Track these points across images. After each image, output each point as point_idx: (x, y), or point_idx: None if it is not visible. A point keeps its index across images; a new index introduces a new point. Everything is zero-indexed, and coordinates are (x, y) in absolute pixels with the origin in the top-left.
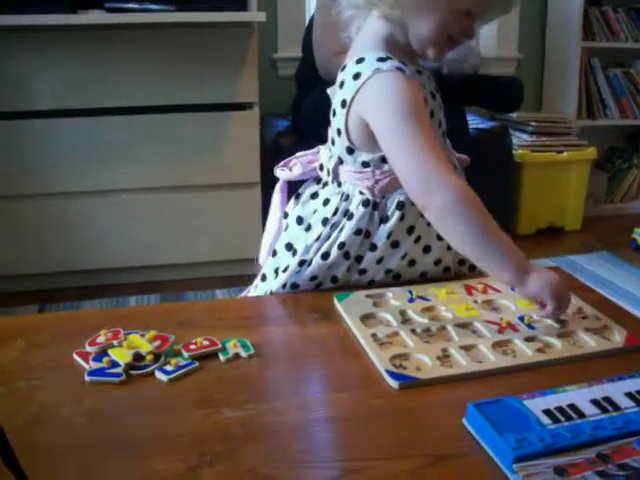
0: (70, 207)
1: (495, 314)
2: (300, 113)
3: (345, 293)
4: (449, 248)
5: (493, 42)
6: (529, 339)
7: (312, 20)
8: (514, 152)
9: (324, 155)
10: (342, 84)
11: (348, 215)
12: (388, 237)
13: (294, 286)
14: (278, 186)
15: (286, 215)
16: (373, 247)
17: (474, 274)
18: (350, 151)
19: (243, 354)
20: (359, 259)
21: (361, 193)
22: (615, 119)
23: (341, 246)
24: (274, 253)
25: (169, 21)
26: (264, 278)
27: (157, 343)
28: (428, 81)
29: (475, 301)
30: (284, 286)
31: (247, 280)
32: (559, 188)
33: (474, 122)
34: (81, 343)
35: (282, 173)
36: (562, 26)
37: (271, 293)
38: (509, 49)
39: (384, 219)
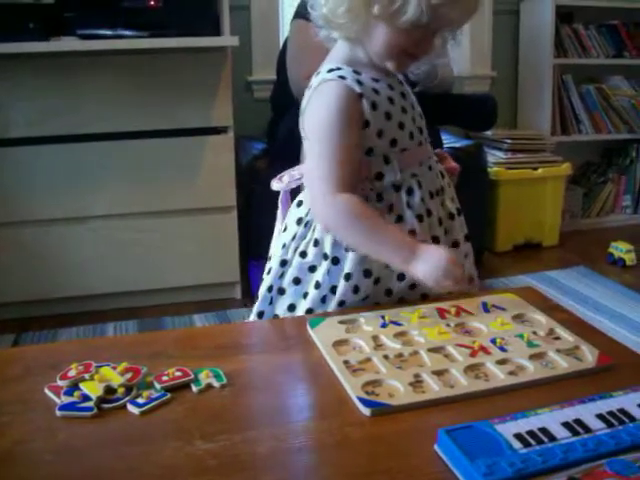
0: (47, 234)
1: (467, 337)
2: (276, 136)
3: (318, 319)
4: None
5: (467, 60)
6: (501, 362)
7: (286, 43)
8: (490, 170)
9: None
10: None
11: None
12: None
13: (280, 291)
14: (280, 198)
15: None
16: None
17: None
18: None
19: (216, 384)
20: (336, 261)
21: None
22: (589, 134)
23: (316, 243)
24: (269, 258)
25: (143, 47)
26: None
27: (129, 375)
28: (387, 89)
29: (447, 324)
30: (270, 289)
31: (225, 304)
32: (535, 204)
33: (449, 141)
34: (54, 376)
35: (275, 185)
36: (534, 43)
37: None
38: (483, 67)
39: None
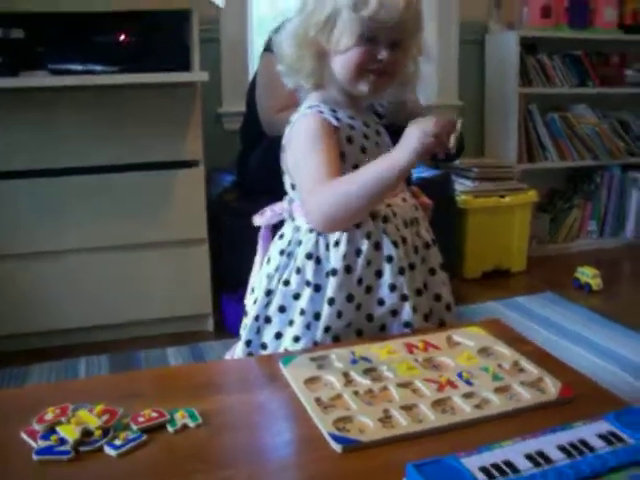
0: (19, 269)
1: (435, 372)
2: (246, 169)
3: (290, 357)
4: (401, 272)
5: (434, 90)
6: (467, 395)
7: (255, 77)
8: (458, 198)
9: (285, 198)
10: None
11: (298, 243)
12: (343, 259)
13: (267, 319)
14: (260, 233)
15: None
16: (334, 272)
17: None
18: (293, 187)
19: (191, 424)
20: (318, 288)
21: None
22: (555, 162)
23: (298, 271)
24: (252, 290)
25: (113, 83)
26: (246, 314)
27: (105, 417)
28: (362, 126)
29: (416, 360)
30: (257, 318)
31: (198, 336)
32: (503, 231)
33: (418, 172)
34: (29, 420)
35: (257, 220)
36: (500, 74)
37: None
38: (450, 97)
39: (336, 243)
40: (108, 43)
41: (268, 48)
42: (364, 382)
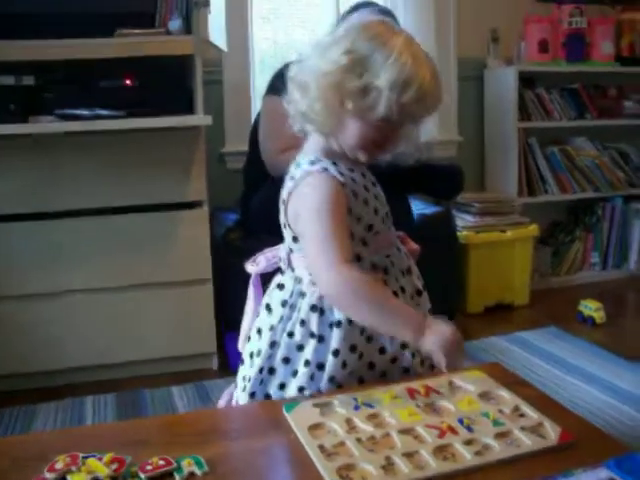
0: (25, 309)
1: (436, 417)
2: (249, 209)
3: (293, 403)
4: None
5: (434, 126)
6: (468, 442)
7: (257, 119)
8: (459, 234)
9: (282, 247)
10: (286, 183)
11: (301, 294)
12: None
13: (271, 371)
14: (251, 280)
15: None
16: (338, 324)
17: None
18: (295, 239)
19: (197, 472)
20: (322, 339)
21: (310, 274)
22: (555, 195)
23: (302, 323)
24: (249, 339)
25: (120, 128)
26: (242, 362)
27: (114, 466)
28: (361, 177)
29: (417, 405)
30: (261, 371)
31: (202, 374)
32: (505, 266)
33: (418, 208)
34: (40, 468)
35: (251, 268)
36: (499, 108)
37: (250, 379)
38: (449, 132)
39: None
40: (113, 88)
41: (271, 90)
42: (367, 429)
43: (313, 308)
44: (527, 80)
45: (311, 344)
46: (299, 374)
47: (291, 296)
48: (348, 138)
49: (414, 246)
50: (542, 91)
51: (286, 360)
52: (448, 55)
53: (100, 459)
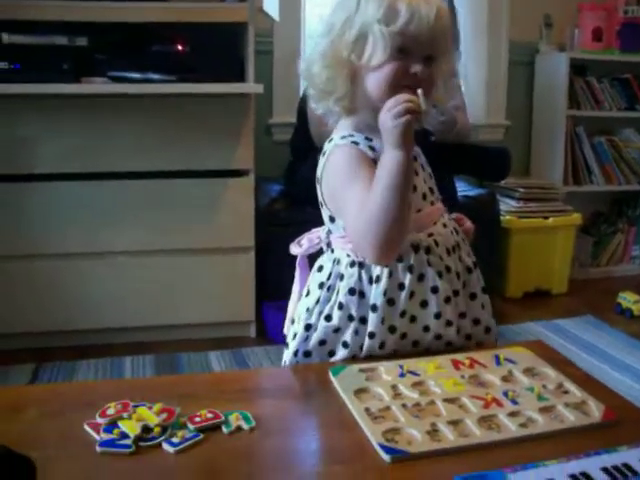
0: (67, 268)
1: (481, 389)
2: (295, 180)
3: (340, 367)
4: (447, 301)
5: (482, 109)
6: (512, 414)
7: (306, 90)
8: (502, 218)
9: (322, 228)
10: (320, 161)
11: (340, 277)
12: (384, 295)
13: (306, 354)
14: (297, 262)
15: None
16: (374, 308)
17: (473, 347)
18: (332, 219)
19: (245, 427)
20: (363, 321)
21: (348, 255)
22: (600, 185)
23: (340, 306)
24: (293, 321)
25: (170, 92)
26: (287, 346)
27: (164, 416)
28: None
29: (462, 376)
30: (295, 353)
31: (240, 342)
32: (546, 253)
33: (463, 190)
34: (91, 414)
35: (295, 249)
36: (548, 95)
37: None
38: (497, 116)
39: (377, 278)
40: (166, 53)
41: None
42: (412, 396)
43: (352, 291)
44: (578, 68)
45: (350, 327)
46: (337, 355)
47: (329, 278)
48: (372, 92)
49: (469, 225)
50: (593, 80)
51: (322, 342)
52: (500, 39)
53: (150, 408)
